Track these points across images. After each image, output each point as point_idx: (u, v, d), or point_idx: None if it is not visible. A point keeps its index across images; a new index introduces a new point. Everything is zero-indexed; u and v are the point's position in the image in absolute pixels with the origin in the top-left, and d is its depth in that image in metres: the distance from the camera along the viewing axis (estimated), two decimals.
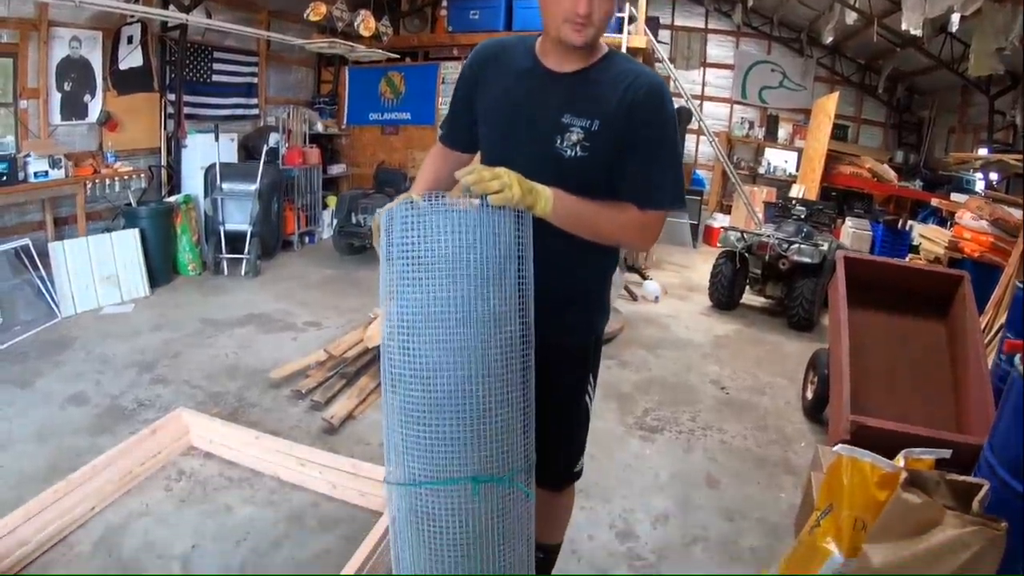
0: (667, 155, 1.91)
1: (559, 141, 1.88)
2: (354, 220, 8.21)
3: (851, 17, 8.93)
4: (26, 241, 5.80)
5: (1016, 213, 6.10)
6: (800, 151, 11.86)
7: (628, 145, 1.87)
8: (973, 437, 3.18)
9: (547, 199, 1.72)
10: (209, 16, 8.07)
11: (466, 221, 1.64)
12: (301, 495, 3.51)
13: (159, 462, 3.64)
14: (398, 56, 10.27)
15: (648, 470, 4.03)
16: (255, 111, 9.68)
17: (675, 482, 3.91)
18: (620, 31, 9.04)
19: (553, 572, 2.64)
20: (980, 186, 8.84)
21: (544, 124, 1.90)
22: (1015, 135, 8.71)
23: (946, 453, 2.62)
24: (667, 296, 7.87)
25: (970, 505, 2.10)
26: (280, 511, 3.38)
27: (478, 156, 2.14)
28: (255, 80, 9.62)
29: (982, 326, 4.65)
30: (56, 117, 6.79)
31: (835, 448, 2.74)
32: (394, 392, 1.74)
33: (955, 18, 6.73)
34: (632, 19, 9.18)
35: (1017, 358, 2.74)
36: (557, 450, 2.18)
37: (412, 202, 1.67)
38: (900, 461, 2.50)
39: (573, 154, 1.87)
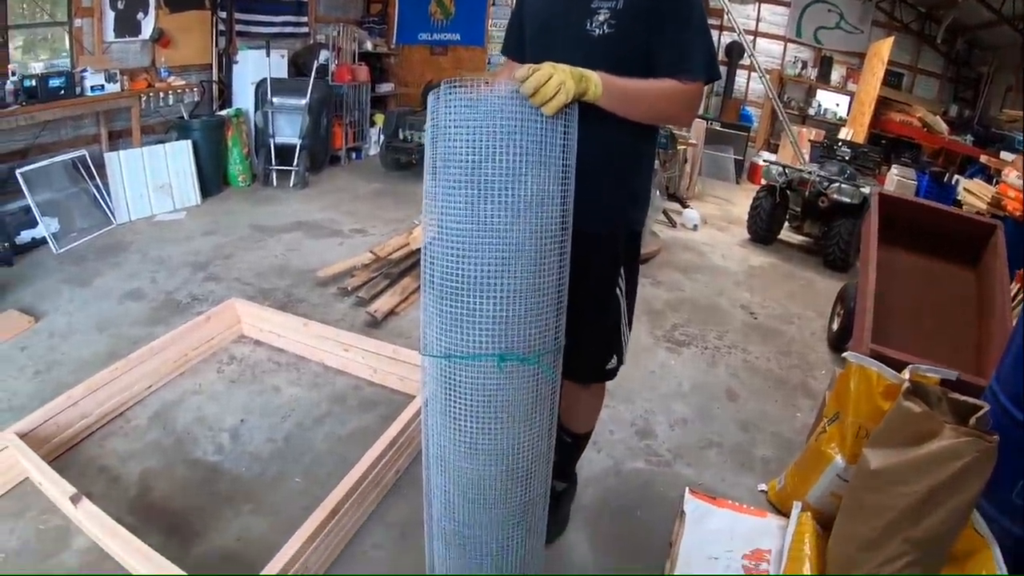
0: (695, 27, 1.95)
1: (589, 24, 1.95)
2: (401, 136, 8.32)
3: None
4: (82, 152, 5.97)
5: None
6: (852, 95, 11.47)
7: (655, 23, 1.92)
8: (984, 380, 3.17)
9: (596, 83, 1.74)
10: None
11: (510, 106, 1.65)
12: (344, 379, 3.69)
13: (212, 347, 3.84)
14: None
15: (672, 379, 4.13)
16: (305, 29, 9.69)
17: (696, 392, 4.01)
18: None
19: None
20: None
21: (575, 13, 1.97)
22: None
23: (952, 374, 2.66)
24: (706, 226, 7.84)
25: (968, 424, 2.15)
26: (323, 392, 3.56)
27: None
28: None
29: (1016, 287, 4.61)
30: (110, 34, 6.88)
31: (845, 354, 2.79)
32: (431, 268, 1.77)
33: None
34: None
35: None
36: (586, 343, 2.18)
37: (458, 84, 1.68)
38: (906, 374, 2.54)
39: (601, 32, 1.94)
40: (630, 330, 2.33)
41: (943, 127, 10.30)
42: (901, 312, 4.06)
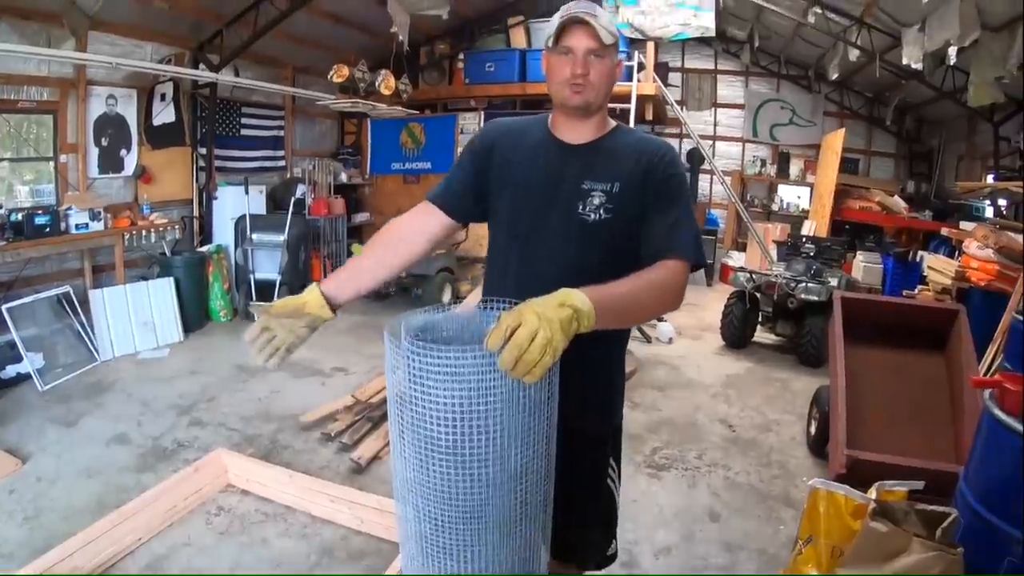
0: (685, 208, 1.92)
1: (581, 207, 1.91)
2: None
3: (853, 54, 9.13)
4: (67, 288, 6.17)
5: (1020, 240, 5.97)
6: (812, 186, 12.00)
7: (648, 205, 1.90)
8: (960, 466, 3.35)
9: (589, 316, 1.45)
10: (237, 74, 8.48)
11: (488, 371, 1.45)
12: (331, 529, 3.77)
13: (200, 498, 3.94)
14: (417, 111, 10.72)
15: (654, 506, 4.21)
16: (282, 163, 10.10)
17: (679, 517, 4.09)
18: (629, 79, 9.37)
19: None
20: (990, 213, 8.82)
21: (565, 192, 1.93)
22: (1022, 160, 8.70)
23: (918, 484, 2.81)
24: (680, 337, 7.98)
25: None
26: (312, 544, 3.65)
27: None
28: (282, 133, 10.05)
29: (990, 353, 4.79)
30: (94, 171, 7.21)
31: (810, 482, 2.97)
32: (406, 524, 1.71)
33: (952, 52, 6.82)
34: (641, 67, 9.53)
35: (987, 393, 2.87)
36: (587, 537, 2.19)
37: (423, 344, 1.50)
38: (873, 493, 2.71)
39: (597, 217, 1.90)
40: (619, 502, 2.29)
41: (901, 206, 10.66)
42: (875, 408, 4.22)
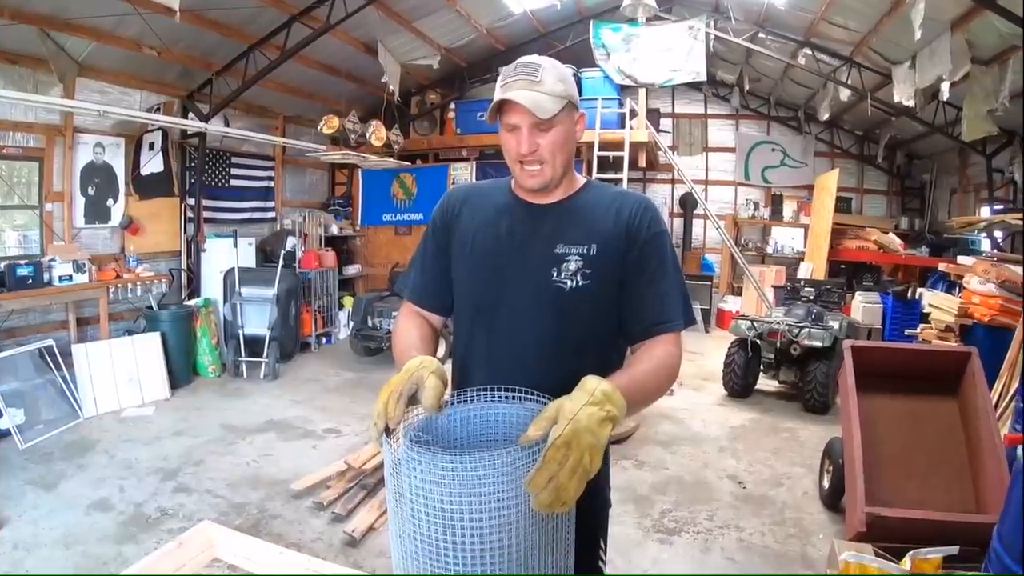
0: (673, 274, 1.82)
1: (556, 273, 1.76)
2: (370, 323, 8.35)
3: (844, 93, 9.29)
4: (50, 342, 6.00)
5: (1021, 273, 5.93)
6: (806, 227, 12.00)
7: (633, 268, 1.78)
8: (989, 516, 3.20)
9: (621, 407, 1.45)
10: (227, 124, 8.44)
11: (493, 472, 1.34)
12: None
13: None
14: (408, 162, 10.69)
15: None
16: (272, 214, 10.02)
17: None
18: (622, 126, 9.41)
19: None
20: (986, 245, 8.81)
21: (535, 257, 1.79)
22: (1015, 192, 8.78)
23: (953, 550, 2.71)
24: (682, 388, 7.76)
25: None
26: None
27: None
28: (272, 184, 9.97)
29: (998, 389, 4.70)
30: (80, 220, 7.11)
31: (842, 556, 2.83)
32: None
33: (945, 87, 6.93)
34: (633, 113, 9.56)
35: (1019, 449, 2.75)
36: None
37: (421, 452, 1.41)
38: (907, 563, 2.59)
39: (574, 284, 1.75)
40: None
41: (897, 244, 10.71)
42: (890, 458, 4.08)
